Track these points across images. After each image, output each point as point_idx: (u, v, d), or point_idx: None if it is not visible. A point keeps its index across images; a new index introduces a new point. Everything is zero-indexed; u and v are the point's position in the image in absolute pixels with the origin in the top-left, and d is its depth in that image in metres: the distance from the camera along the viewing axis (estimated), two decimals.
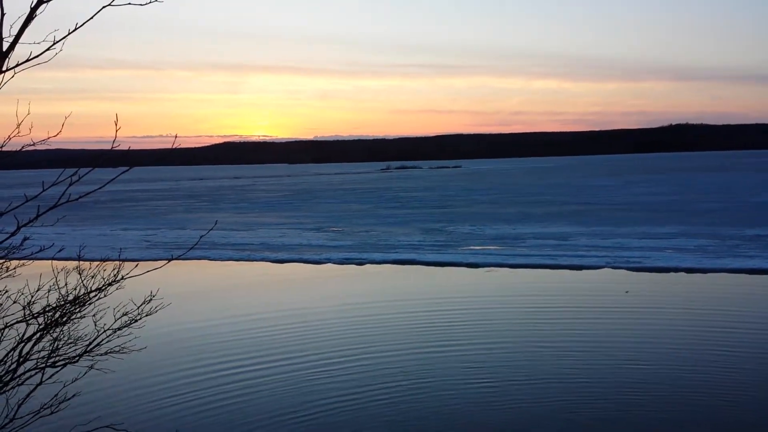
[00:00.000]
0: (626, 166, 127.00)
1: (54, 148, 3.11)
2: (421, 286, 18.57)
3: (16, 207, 2.70)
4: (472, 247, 25.09)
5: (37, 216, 2.61)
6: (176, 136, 2.99)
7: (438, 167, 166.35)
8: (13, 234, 2.70)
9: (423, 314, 15.03)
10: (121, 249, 6.19)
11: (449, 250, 24.31)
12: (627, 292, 16.72)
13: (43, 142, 3.33)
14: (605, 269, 19.89)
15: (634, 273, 19.28)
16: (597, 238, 26.12)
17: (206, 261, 23.89)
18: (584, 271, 19.71)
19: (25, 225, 2.66)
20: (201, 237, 4.25)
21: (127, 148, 2.81)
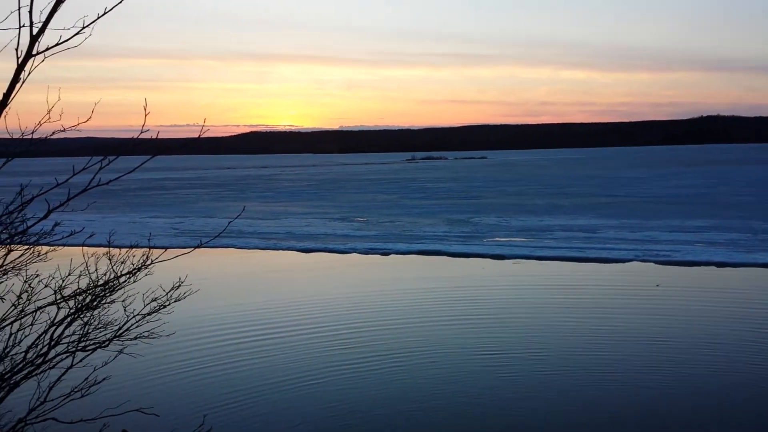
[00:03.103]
0: (656, 158, 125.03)
1: (83, 136, 3.13)
2: (446, 277, 18.50)
3: (46, 191, 2.71)
4: (498, 239, 24.92)
5: (68, 200, 2.62)
6: (203, 125, 2.98)
7: (464, 158, 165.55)
8: (44, 217, 2.72)
9: (447, 305, 14.97)
10: (150, 234, 6.24)
11: (475, 241, 24.18)
12: (657, 285, 16.47)
13: (73, 129, 3.35)
14: (634, 263, 19.61)
15: (664, 267, 18.98)
16: (626, 231, 25.77)
17: (233, 249, 24.09)
18: (613, 264, 19.45)
19: (55, 209, 2.67)
20: (229, 223, 4.26)
21: (153, 136, 2.81)
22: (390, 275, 19.18)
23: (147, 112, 2.64)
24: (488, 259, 20.74)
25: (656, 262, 19.46)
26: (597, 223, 28.77)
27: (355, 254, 22.46)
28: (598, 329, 12.70)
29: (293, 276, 19.53)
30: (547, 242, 23.51)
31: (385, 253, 22.29)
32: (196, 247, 3.98)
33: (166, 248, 3.90)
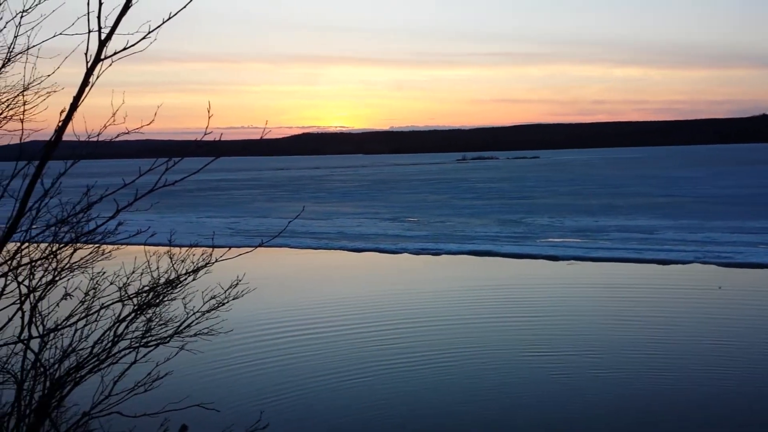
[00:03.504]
0: (714, 157, 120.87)
1: (143, 138, 3.20)
2: (497, 278, 18.31)
3: (113, 192, 2.81)
4: (551, 239, 24.53)
5: (135, 199, 2.71)
6: (265, 127, 3.03)
7: (516, 158, 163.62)
8: (112, 216, 2.82)
9: (498, 305, 14.82)
10: (213, 233, 6.38)
11: (527, 242, 23.86)
12: (720, 288, 15.91)
13: (136, 131, 3.45)
14: (694, 264, 19.00)
15: (725, 269, 18.33)
16: (685, 232, 24.99)
17: (286, 249, 24.42)
18: (672, 266, 18.89)
19: (123, 208, 2.76)
20: (289, 222, 4.31)
21: (216, 138, 2.87)
22: (441, 275, 19.11)
23: (210, 115, 2.70)
24: (541, 260, 20.43)
25: (718, 264, 18.81)
26: (654, 223, 28.00)
27: (406, 254, 22.47)
28: (656, 332, 12.35)
29: (345, 275, 19.66)
30: (602, 243, 23.01)
31: (436, 254, 22.22)
32: (257, 246, 4.05)
33: (230, 247, 3.97)
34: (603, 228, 27.06)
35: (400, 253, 22.72)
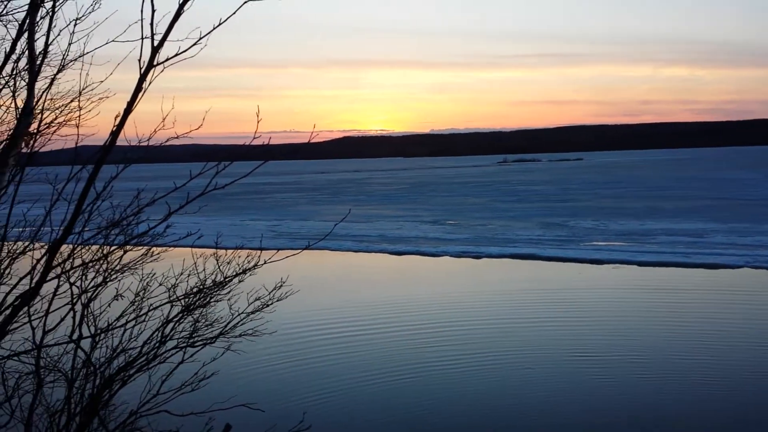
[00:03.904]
0: (765, 159, 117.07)
1: (188, 143, 3.27)
2: (540, 282, 18.08)
3: (165, 195, 2.87)
4: (595, 243, 24.11)
5: (187, 202, 2.77)
6: (313, 130, 3.06)
7: (559, 160, 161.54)
8: (165, 218, 2.88)
9: (541, 309, 14.63)
10: (262, 236, 6.48)
11: (571, 246, 23.51)
12: None
13: (185, 135, 3.52)
14: (745, 269, 18.43)
15: None
16: (735, 236, 24.26)
17: (327, 251, 24.57)
18: (721, 271, 18.37)
19: (175, 211, 2.82)
20: (335, 225, 4.35)
21: (265, 142, 2.91)
22: (482, 278, 18.97)
23: (259, 119, 2.74)
24: (585, 264, 20.09)
25: None
26: (703, 227, 27.27)
27: (446, 257, 22.37)
28: (705, 338, 12.01)
29: (386, 278, 19.69)
30: (648, 247, 22.51)
31: (477, 257, 22.06)
32: (303, 249, 4.09)
33: (278, 249, 4.02)
34: (649, 231, 26.47)
35: (441, 256, 22.64)
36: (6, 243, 3.49)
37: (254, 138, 2.75)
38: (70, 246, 3.62)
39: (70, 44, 3.08)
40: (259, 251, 4.14)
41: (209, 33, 2.42)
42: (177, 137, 3.33)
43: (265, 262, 4.04)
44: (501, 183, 70.25)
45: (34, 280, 3.36)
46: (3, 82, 2.88)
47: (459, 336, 12.67)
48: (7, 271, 3.48)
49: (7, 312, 2.71)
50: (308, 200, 53.03)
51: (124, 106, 2.53)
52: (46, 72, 3.25)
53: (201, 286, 4.29)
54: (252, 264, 4.05)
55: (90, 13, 3.13)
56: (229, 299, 4.72)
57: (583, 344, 11.91)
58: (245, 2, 2.46)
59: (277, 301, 5.10)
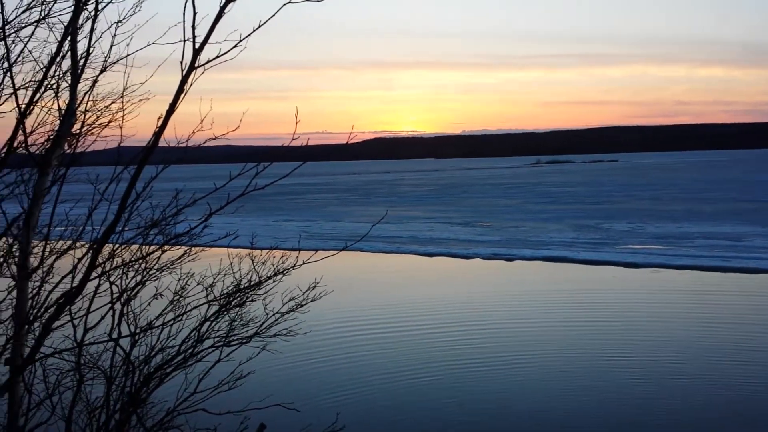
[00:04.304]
0: None
1: (222, 144, 3.30)
2: (574, 285, 17.85)
3: (205, 196, 2.90)
4: (631, 246, 23.71)
5: (228, 203, 2.79)
6: (352, 131, 3.06)
7: (593, 161, 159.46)
8: (206, 219, 2.91)
9: (574, 312, 14.43)
10: (300, 236, 6.54)
11: (605, 249, 23.16)
12: None
13: (222, 137, 3.56)
14: None
15: None
16: None
17: (359, 252, 24.63)
18: (761, 275, 17.91)
19: (216, 211, 2.85)
20: (372, 226, 4.35)
21: (303, 143, 2.92)
22: (514, 281, 18.80)
23: (297, 120, 2.75)
24: (620, 268, 19.77)
25: None
26: (742, 230, 26.62)
27: (478, 259, 22.23)
28: (744, 342, 11.72)
29: (417, 279, 19.64)
30: (686, 250, 22.06)
31: (510, 259, 21.88)
32: (341, 250, 4.11)
33: (316, 250, 4.03)
34: (686, 234, 25.95)
35: (472, 258, 22.50)
36: (48, 242, 3.56)
37: (293, 139, 2.75)
38: (111, 245, 3.68)
39: (111, 46, 3.13)
40: (297, 252, 4.16)
41: (249, 35, 2.44)
42: (215, 138, 3.36)
43: (303, 263, 4.05)
44: (534, 184, 69.59)
45: (77, 279, 3.43)
46: (48, 83, 2.93)
47: (492, 338, 12.57)
48: (49, 270, 3.55)
49: (52, 310, 2.76)
50: (340, 201, 53.23)
51: (163, 107, 2.56)
52: (87, 74, 3.31)
53: (237, 286, 4.33)
54: (291, 264, 4.07)
55: (131, 15, 3.18)
56: (263, 299, 4.75)
57: (618, 348, 11.71)
58: (285, 4, 2.47)
59: (311, 301, 5.12)
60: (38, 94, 2.92)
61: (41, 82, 2.92)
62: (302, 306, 4.92)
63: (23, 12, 3.50)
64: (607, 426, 8.52)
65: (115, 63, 3.18)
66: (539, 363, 11.01)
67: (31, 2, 3.55)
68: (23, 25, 3.55)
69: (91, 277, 2.97)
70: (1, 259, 3.58)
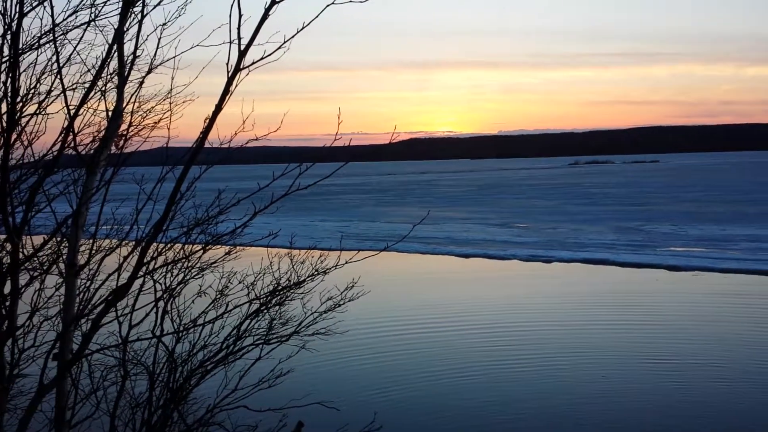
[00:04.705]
0: None
1: (259, 145, 3.33)
2: (614, 288, 17.55)
3: (249, 196, 2.94)
4: (673, 248, 23.21)
5: (272, 202, 2.82)
6: (394, 131, 3.07)
7: (634, 162, 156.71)
8: (252, 218, 2.95)
9: (615, 315, 14.19)
10: (342, 236, 6.58)
11: (647, 251, 22.72)
12: None
13: (264, 137, 3.59)
14: None
15: None
16: None
17: (395, 252, 24.63)
18: None
19: (261, 211, 2.89)
20: (414, 226, 4.34)
21: (346, 143, 2.94)
22: (552, 283, 18.58)
23: (340, 121, 2.77)
24: (662, 270, 19.37)
25: None
26: None
27: (515, 261, 22.03)
28: None
29: (453, 280, 19.56)
30: (730, 253, 21.50)
31: (548, 261, 21.62)
32: (382, 250, 4.12)
33: (358, 250, 4.05)
34: (731, 237, 25.29)
35: (509, 259, 22.31)
36: (95, 240, 3.64)
37: (335, 139, 2.77)
38: (155, 244, 3.75)
39: (157, 48, 3.19)
40: (338, 252, 4.18)
41: (293, 36, 2.46)
42: (257, 139, 3.40)
43: (346, 262, 4.07)
44: (572, 185, 68.66)
45: (121, 277, 3.50)
46: (98, 85, 3.01)
47: (528, 339, 12.45)
48: (96, 268, 3.63)
49: (101, 306, 2.83)
50: (375, 202, 53.32)
51: (204, 108, 2.60)
52: (132, 75, 3.38)
53: (277, 285, 4.37)
54: (333, 264, 4.10)
55: (176, 18, 3.23)
56: (301, 298, 4.79)
57: (660, 352, 11.48)
58: (329, 5, 2.49)
59: (349, 301, 5.14)
60: (89, 95, 2.99)
61: (92, 83, 2.99)
62: (340, 305, 4.94)
63: (70, 15, 3.60)
64: (648, 429, 8.35)
65: (160, 65, 3.24)
66: (579, 364, 10.87)
67: (79, 4, 3.65)
68: (71, 27, 3.65)
69: (138, 275, 3.03)
70: (51, 257, 3.68)
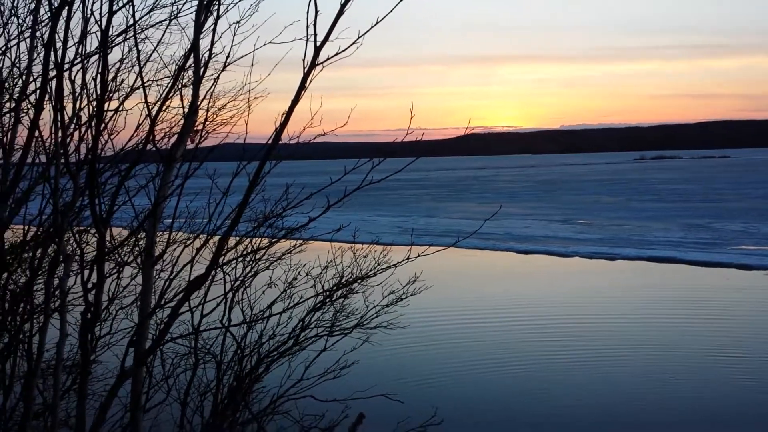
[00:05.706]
0: None
1: (320, 141, 3.38)
2: (681, 286, 17.01)
3: (322, 189, 3.00)
4: (744, 247, 22.30)
5: (345, 196, 2.88)
6: (468, 126, 3.07)
7: (702, 157, 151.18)
8: (324, 211, 3.02)
9: (681, 314, 13.76)
10: (412, 231, 6.64)
11: (716, 249, 21.90)
12: None
13: (331, 133, 3.65)
14: None
15: None
16: None
17: (453, 248, 24.48)
18: None
19: (333, 204, 2.95)
20: (485, 221, 4.40)
21: (417, 138, 2.96)
22: (617, 280, 18.14)
23: (412, 115, 2.80)
24: (733, 269, 18.64)
25: None
26: None
27: (577, 258, 21.60)
28: None
29: (514, 276, 19.35)
30: None
31: (611, 258, 21.12)
32: (451, 245, 4.15)
33: (429, 245, 4.08)
34: None
35: (571, 256, 21.89)
36: (171, 233, 3.78)
37: (407, 134, 2.80)
38: (226, 237, 3.87)
39: (231, 46, 3.29)
40: (402, 247, 4.22)
41: (366, 32, 2.49)
42: (324, 134, 3.45)
43: (419, 255, 4.11)
44: (637, 181, 66.77)
45: (195, 269, 3.63)
46: (179, 82, 3.12)
47: (590, 336, 12.22)
48: (171, 260, 3.78)
49: (181, 295, 2.95)
50: (433, 197, 53.20)
51: (275, 105, 2.67)
52: (207, 72, 3.49)
53: (341, 278, 4.44)
54: (397, 259, 4.14)
55: (250, 16, 3.32)
56: (364, 292, 4.86)
57: (726, 353, 11.07)
58: (400, 1, 2.51)
59: (411, 295, 5.18)
60: (171, 93, 3.11)
61: (174, 80, 3.11)
62: (402, 299, 4.99)
63: (147, 13, 3.75)
64: (709, 426, 8.11)
65: (234, 62, 3.33)
66: (640, 360, 10.67)
67: (155, 2, 3.79)
68: (147, 25, 3.80)
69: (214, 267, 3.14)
70: (130, 249, 3.84)
